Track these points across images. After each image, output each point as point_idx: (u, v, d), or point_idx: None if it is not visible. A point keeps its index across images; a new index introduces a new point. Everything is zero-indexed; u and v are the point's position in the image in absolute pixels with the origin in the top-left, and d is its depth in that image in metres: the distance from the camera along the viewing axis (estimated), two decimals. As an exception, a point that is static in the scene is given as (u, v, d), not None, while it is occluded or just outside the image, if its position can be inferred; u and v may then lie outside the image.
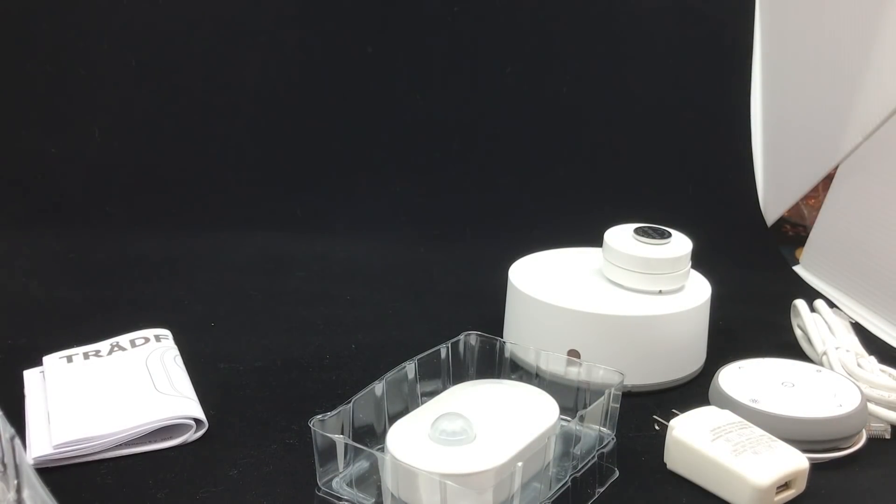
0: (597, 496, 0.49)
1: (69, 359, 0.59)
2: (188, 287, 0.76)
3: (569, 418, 0.52)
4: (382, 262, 0.84)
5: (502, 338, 0.58)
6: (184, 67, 0.90)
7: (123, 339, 0.62)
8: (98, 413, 0.52)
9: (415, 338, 0.67)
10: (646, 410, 0.57)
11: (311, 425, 0.45)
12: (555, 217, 0.91)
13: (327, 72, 0.92)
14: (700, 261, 0.65)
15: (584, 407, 0.52)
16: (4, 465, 0.40)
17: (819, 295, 0.78)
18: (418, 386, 0.53)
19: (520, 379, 0.55)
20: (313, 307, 0.73)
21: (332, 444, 0.46)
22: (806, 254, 0.89)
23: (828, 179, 0.87)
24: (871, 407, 0.55)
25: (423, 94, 0.94)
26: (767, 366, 0.58)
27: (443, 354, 0.54)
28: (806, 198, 0.93)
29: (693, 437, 0.50)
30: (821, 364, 0.61)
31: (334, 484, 0.47)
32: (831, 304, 0.70)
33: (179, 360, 0.59)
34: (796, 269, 0.87)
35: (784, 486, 0.48)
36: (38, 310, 0.71)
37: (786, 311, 0.70)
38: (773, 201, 0.94)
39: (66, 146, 0.88)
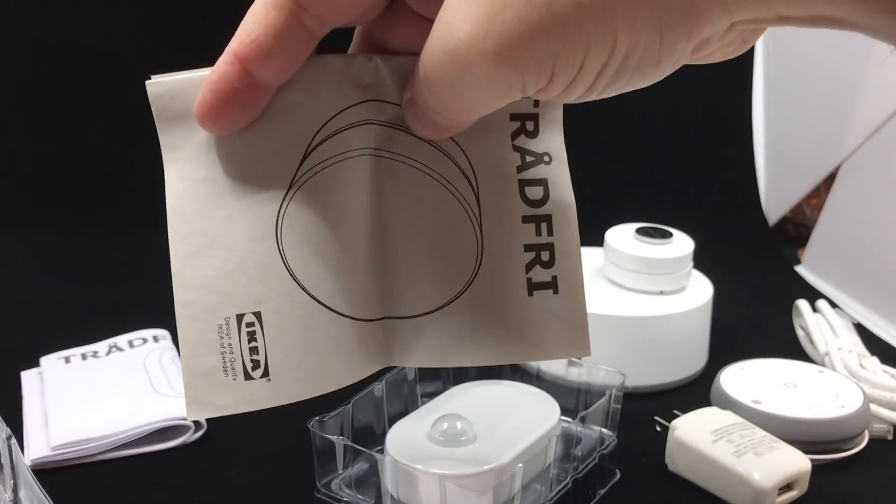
0: (598, 497, 0.48)
1: (67, 359, 0.59)
2: (187, 287, 0.76)
3: (570, 419, 0.51)
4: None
5: (503, 338, 0.58)
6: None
7: (121, 340, 0.61)
8: (96, 414, 0.52)
9: (415, 338, 0.67)
10: (647, 411, 0.56)
11: (309, 426, 0.45)
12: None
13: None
14: (702, 261, 0.64)
15: (586, 408, 0.52)
16: (1, 465, 0.39)
17: (821, 295, 0.78)
18: (418, 387, 0.53)
19: (520, 380, 0.54)
20: (313, 307, 0.73)
21: (332, 446, 0.45)
22: (808, 254, 0.88)
23: (830, 179, 0.87)
24: (874, 408, 0.55)
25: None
26: (769, 366, 0.58)
27: (443, 355, 0.54)
28: (808, 197, 0.93)
29: (695, 438, 0.50)
30: (823, 365, 0.61)
31: (333, 485, 0.47)
32: (833, 305, 0.70)
33: (178, 360, 0.59)
34: (798, 269, 0.87)
35: (786, 487, 0.48)
36: (35, 310, 0.70)
37: (788, 311, 0.70)
38: (774, 201, 0.94)
39: (66, 146, 0.88)
